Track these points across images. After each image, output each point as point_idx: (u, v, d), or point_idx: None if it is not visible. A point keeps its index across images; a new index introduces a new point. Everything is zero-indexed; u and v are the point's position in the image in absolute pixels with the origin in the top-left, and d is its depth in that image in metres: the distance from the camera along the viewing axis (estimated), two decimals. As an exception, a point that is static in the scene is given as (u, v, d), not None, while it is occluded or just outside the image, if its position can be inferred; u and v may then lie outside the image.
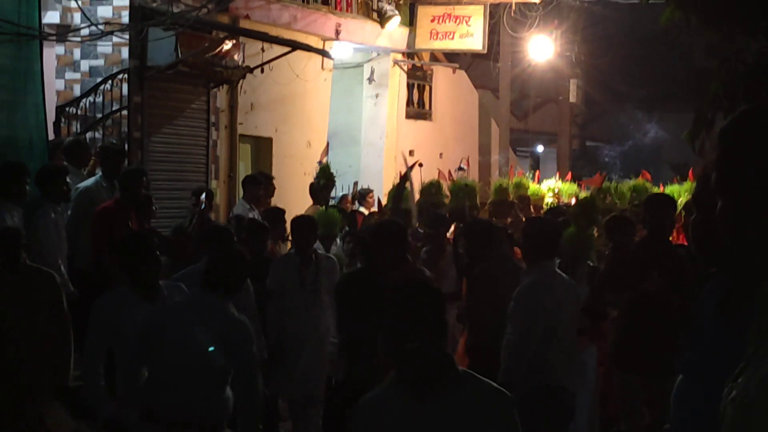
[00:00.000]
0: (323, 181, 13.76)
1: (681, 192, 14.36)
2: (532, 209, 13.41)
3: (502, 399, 3.86)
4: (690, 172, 14.76)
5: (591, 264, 9.38)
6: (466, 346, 8.26)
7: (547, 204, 13.98)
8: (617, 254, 8.72)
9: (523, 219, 12.54)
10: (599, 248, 10.14)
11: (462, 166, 15.88)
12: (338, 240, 11.31)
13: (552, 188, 14.58)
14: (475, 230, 8.57)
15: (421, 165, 14.26)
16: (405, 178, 12.51)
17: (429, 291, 3.94)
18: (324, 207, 12.29)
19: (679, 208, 13.77)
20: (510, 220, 12.44)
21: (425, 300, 3.86)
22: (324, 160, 14.87)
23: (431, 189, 12.94)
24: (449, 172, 15.26)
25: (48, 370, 7.34)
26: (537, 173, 15.66)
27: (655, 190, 14.40)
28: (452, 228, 11.40)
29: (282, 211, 10.78)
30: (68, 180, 9.66)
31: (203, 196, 11.35)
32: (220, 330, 5.76)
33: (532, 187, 14.26)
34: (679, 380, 4.93)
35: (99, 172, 10.57)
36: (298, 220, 9.37)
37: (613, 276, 8.43)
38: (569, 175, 16.71)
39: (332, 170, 14.17)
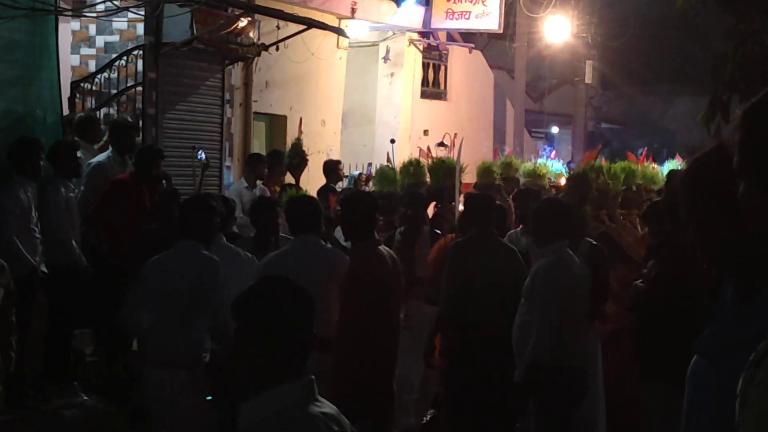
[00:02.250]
0: (296, 160, 12.64)
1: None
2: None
3: None
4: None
5: (591, 241, 8.80)
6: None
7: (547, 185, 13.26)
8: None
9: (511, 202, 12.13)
10: (591, 226, 9.60)
11: (444, 142, 15.05)
12: None
13: (540, 167, 13.88)
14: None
15: (393, 141, 13.55)
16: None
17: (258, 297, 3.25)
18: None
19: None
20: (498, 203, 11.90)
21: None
22: (299, 136, 13.73)
23: (410, 168, 11.90)
24: (428, 149, 14.44)
25: None
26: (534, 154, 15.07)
27: (641, 169, 13.39)
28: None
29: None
30: (79, 155, 9.68)
31: (201, 153, 11.28)
32: (194, 272, 6.59)
33: (527, 167, 13.48)
34: (694, 360, 4.92)
35: (110, 148, 10.59)
36: (256, 201, 8.77)
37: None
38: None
39: (340, 149, 13.62)
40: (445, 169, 11.68)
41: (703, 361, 4.87)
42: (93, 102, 13.18)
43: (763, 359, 2.16)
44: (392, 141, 13.20)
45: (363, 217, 7.20)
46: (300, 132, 14.91)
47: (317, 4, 16.31)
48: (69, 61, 13.15)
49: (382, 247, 7.44)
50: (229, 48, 13.96)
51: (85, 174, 10.05)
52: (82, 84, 13.22)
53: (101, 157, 10.29)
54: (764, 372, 2.13)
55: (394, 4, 18.37)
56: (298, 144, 13.05)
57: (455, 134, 19.18)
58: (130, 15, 12.86)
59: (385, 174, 12.08)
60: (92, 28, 13.65)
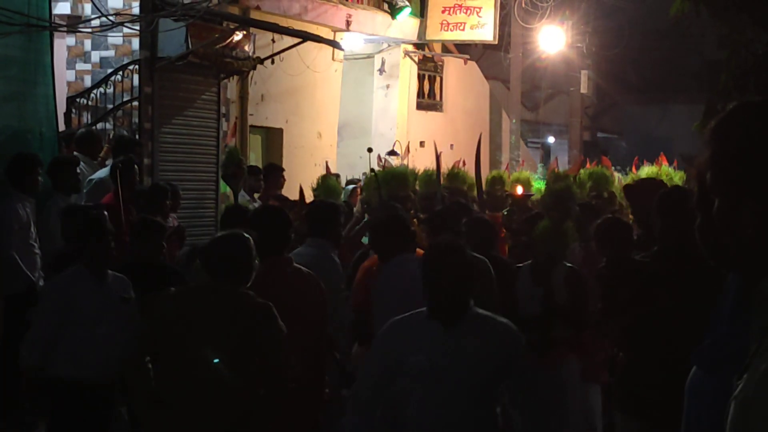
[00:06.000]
0: (230, 169, 11.88)
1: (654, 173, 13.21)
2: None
3: None
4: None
5: (568, 265, 7.77)
6: None
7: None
8: (615, 270, 6.70)
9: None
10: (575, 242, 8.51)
11: (394, 150, 14.29)
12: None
13: (502, 174, 12.96)
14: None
15: (370, 150, 12.87)
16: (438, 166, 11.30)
17: None
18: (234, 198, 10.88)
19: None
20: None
21: None
22: (231, 142, 13.00)
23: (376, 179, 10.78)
24: (378, 158, 13.83)
25: None
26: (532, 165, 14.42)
27: (617, 177, 12.79)
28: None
29: (287, 201, 10.63)
30: (79, 171, 9.66)
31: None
32: None
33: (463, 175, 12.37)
34: (692, 372, 4.91)
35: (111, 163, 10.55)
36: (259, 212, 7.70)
37: (615, 299, 6.44)
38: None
39: (342, 165, 13.22)
40: (398, 180, 10.97)
41: (701, 372, 4.86)
42: (89, 117, 13.18)
43: (744, 373, 2.15)
44: (369, 150, 12.49)
45: (268, 232, 6.34)
46: (233, 136, 14.60)
47: (312, 17, 16.34)
48: (64, 77, 13.17)
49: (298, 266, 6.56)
50: (224, 62, 13.97)
51: (87, 191, 10.00)
52: (78, 99, 13.23)
53: (102, 173, 10.24)
54: (742, 386, 2.11)
55: (389, 16, 18.42)
56: (234, 150, 12.52)
57: (451, 145, 19.25)
58: (126, 30, 12.86)
59: (326, 184, 11.30)
60: (87, 44, 13.66)
